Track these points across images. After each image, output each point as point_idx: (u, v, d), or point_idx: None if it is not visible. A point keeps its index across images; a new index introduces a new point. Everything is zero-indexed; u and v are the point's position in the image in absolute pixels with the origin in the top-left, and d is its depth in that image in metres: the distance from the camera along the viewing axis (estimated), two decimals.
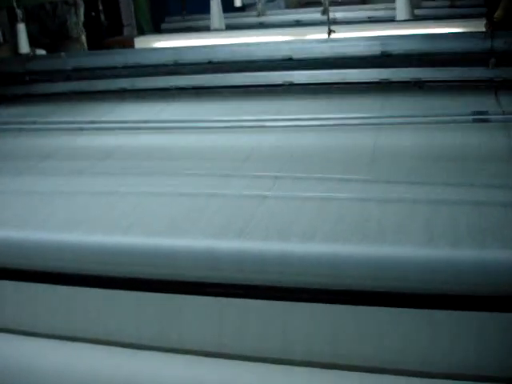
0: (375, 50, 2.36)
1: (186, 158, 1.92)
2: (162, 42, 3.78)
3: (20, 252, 1.53)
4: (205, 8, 4.90)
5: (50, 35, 2.95)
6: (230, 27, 4.20)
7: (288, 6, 6.16)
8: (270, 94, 2.43)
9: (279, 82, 2.42)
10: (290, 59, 2.44)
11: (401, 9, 2.59)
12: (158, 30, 4.64)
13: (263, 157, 1.88)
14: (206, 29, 4.23)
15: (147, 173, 1.83)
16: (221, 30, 2.64)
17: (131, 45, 3.90)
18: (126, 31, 5.58)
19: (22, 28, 2.67)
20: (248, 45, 2.53)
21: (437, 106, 2.08)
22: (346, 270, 1.27)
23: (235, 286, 1.35)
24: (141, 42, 3.92)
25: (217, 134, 2.10)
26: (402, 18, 2.64)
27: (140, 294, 1.42)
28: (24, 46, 2.69)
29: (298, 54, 2.44)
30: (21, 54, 3.44)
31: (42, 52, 3.07)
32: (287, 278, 1.31)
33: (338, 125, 2.04)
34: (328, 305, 1.31)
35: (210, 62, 2.52)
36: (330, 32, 2.59)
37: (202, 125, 2.17)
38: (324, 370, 1.30)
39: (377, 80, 2.32)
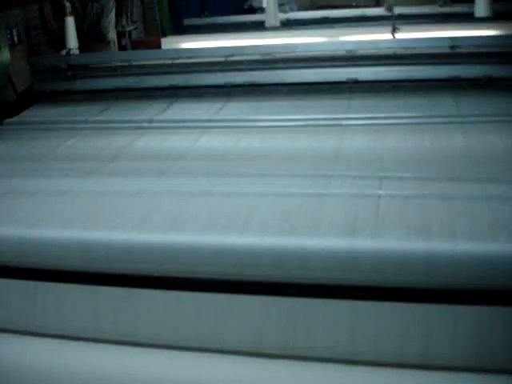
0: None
1: (272, 158, 1.82)
2: (192, 43, 3.66)
3: (124, 254, 1.40)
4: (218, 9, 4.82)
5: (81, 36, 2.82)
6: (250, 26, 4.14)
7: (299, 9, 6.10)
8: (332, 92, 2.34)
9: (343, 79, 2.33)
10: (355, 56, 2.35)
11: (480, 5, 2.51)
12: (177, 31, 4.53)
13: (355, 156, 1.79)
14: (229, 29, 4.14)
15: (240, 174, 1.72)
16: (275, 27, 2.55)
17: (158, 45, 3.77)
18: (134, 34, 5.46)
19: (70, 21, 2.53)
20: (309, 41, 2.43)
21: None
22: None
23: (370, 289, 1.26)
24: (168, 43, 3.79)
25: (296, 134, 2.00)
26: (481, 15, 2.56)
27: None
28: (72, 41, 2.54)
29: (363, 51, 2.35)
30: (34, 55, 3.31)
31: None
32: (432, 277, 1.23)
33: (421, 123, 1.96)
34: None
35: (268, 59, 2.42)
36: (394, 29, 2.50)
37: (277, 124, 2.07)
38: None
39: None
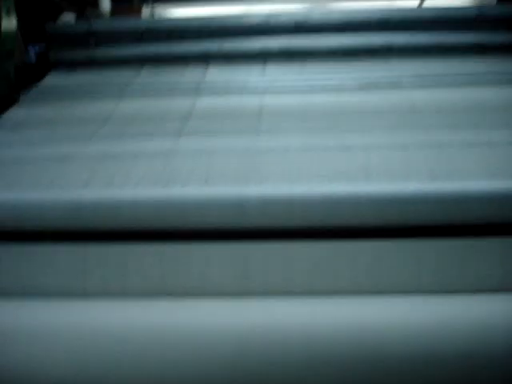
0: None
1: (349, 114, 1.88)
2: (183, 9, 3.55)
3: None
4: None
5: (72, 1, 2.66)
6: None
7: None
8: (366, 58, 2.40)
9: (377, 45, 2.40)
10: (387, 22, 2.42)
11: None
12: None
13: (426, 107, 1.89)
14: None
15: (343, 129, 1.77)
16: None
17: (138, 13, 3.63)
18: None
19: None
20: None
21: None
22: None
23: None
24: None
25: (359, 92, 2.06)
26: None
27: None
28: (106, 4, 2.39)
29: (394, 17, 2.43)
30: None
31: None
32: None
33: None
34: None
35: (302, 25, 2.44)
36: None
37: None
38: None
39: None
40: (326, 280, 1.40)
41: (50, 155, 1.65)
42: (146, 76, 2.33)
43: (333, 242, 1.40)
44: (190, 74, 2.30)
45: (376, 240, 1.40)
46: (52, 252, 1.44)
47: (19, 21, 2.31)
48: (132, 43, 2.43)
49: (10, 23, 2.38)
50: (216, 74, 2.31)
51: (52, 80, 2.35)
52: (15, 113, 2.05)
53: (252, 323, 1.31)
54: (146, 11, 3.77)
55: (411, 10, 2.49)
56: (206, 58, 2.41)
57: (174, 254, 1.42)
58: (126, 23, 2.50)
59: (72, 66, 2.42)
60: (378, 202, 1.38)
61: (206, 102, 2.03)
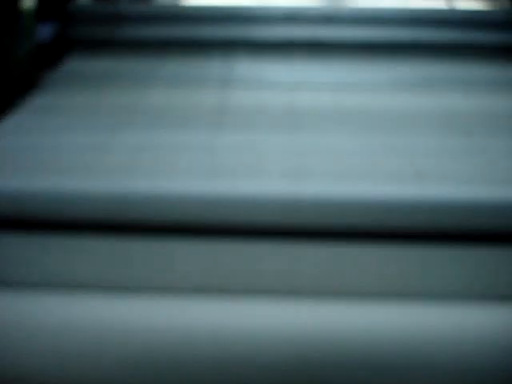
0: None
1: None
2: None
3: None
4: None
5: None
6: None
7: None
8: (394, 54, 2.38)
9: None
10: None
11: None
12: None
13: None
14: None
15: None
16: None
17: None
18: None
19: None
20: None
21: None
22: None
23: None
24: None
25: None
26: None
27: None
28: None
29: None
30: None
31: None
32: None
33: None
34: None
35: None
36: None
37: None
38: None
39: None
40: (375, 282, 1.39)
41: (85, 144, 1.60)
42: (172, 64, 2.27)
43: (383, 245, 1.39)
44: (217, 65, 2.26)
45: (426, 244, 1.39)
46: (92, 244, 1.40)
47: None
48: (156, 27, 2.37)
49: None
50: (243, 66, 2.26)
51: (73, 63, 2.29)
52: (40, 97, 1.99)
53: (302, 322, 1.31)
54: None
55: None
56: (231, 48, 2.36)
57: (220, 250, 1.39)
58: (150, 8, 2.44)
59: (93, 48, 2.35)
60: (431, 206, 1.37)
61: (236, 96, 2.00)
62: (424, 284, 1.39)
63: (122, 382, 1.32)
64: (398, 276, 1.39)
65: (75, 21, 2.39)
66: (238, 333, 1.33)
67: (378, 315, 1.36)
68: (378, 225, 1.38)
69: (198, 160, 1.52)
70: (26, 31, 2.22)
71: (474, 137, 1.68)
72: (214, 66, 2.24)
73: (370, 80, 2.15)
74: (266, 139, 1.65)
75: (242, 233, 1.39)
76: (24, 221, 1.41)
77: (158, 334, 1.32)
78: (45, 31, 2.53)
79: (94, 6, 2.47)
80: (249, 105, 1.92)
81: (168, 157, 1.52)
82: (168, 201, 1.37)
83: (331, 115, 1.85)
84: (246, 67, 2.26)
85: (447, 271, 1.38)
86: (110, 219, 1.39)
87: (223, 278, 1.39)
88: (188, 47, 2.37)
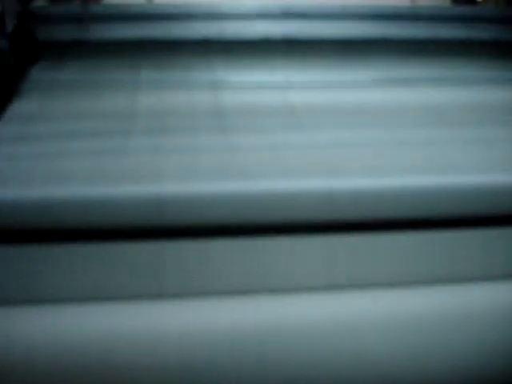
0: None
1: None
2: None
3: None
4: None
5: None
6: None
7: None
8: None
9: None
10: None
11: None
12: None
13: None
14: None
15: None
16: None
17: None
18: None
19: None
20: None
21: None
22: None
23: None
24: None
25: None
26: None
27: None
28: None
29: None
30: None
31: None
32: None
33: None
34: None
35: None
36: None
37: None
38: None
39: None
40: (409, 270, 1.43)
41: (93, 149, 1.53)
42: (151, 67, 2.19)
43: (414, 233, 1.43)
44: (199, 65, 2.20)
45: (452, 231, 1.44)
46: (125, 251, 1.34)
47: None
48: (128, 28, 2.28)
49: None
50: (226, 66, 2.22)
51: (46, 68, 2.15)
52: (23, 105, 1.87)
53: (344, 316, 1.33)
54: None
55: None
56: (209, 47, 2.31)
57: (257, 250, 1.38)
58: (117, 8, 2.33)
59: (64, 50, 2.22)
60: (456, 194, 1.42)
61: (229, 97, 1.96)
62: (453, 269, 1.44)
63: None
64: (429, 263, 1.44)
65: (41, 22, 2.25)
66: (280, 330, 1.32)
67: (418, 301, 1.40)
68: (410, 215, 1.42)
69: (218, 161, 1.49)
70: None
71: (484, 128, 1.75)
72: (197, 67, 2.19)
73: (354, 78, 2.18)
74: (278, 139, 1.64)
75: (277, 231, 1.39)
76: (31, 231, 1.33)
77: (185, 341, 1.30)
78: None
79: (62, 7, 2.34)
80: (243, 106, 1.91)
81: (189, 159, 1.48)
82: (200, 202, 1.34)
83: (330, 112, 1.87)
84: (229, 68, 2.22)
85: (474, 256, 1.44)
86: (142, 224, 1.35)
87: (261, 277, 1.38)
88: (160, 48, 2.30)
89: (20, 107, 1.86)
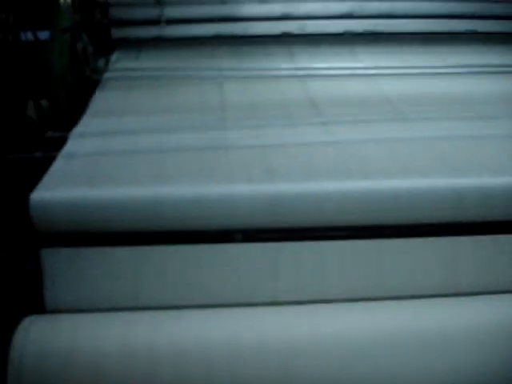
0: None
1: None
2: None
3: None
4: None
5: None
6: None
7: None
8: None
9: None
10: None
11: None
12: None
13: None
14: None
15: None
16: None
17: None
18: None
19: None
20: None
21: None
22: None
23: None
24: None
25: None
26: None
27: None
28: None
29: None
30: None
31: None
32: None
33: None
34: None
35: None
36: None
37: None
38: None
39: None
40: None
41: (192, 144, 1.46)
42: (233, 60, 2.12)
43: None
44: (281, 57, 2.13)
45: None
46: (215, 252, 1.25)
47: None
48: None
49: None
50: (308, 56, 2.14)
51: (126, 60, 2.10)
52: (107, 98, 1.82)
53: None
54: None
55: None
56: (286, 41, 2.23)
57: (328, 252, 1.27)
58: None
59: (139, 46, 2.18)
60: None
61: (315, 88, 1.88)
62: None
63: None
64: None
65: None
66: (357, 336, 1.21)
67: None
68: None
69: (298, 158, 1.39)
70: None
71: None
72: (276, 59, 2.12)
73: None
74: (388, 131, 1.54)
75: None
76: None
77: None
78: None
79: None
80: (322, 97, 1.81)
81: (281, 155, 1.40)
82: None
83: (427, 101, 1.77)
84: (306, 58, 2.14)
85: None
86: (232, 225, 1.25)
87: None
88: (234, 42, 2.23)
89: (103, 100, 1.81)
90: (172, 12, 2.23)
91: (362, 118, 1.64)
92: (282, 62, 2.11)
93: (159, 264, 1.25)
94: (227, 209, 1.22)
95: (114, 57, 2.14)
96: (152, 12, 2.22)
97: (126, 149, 1.45)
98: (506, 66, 2.10)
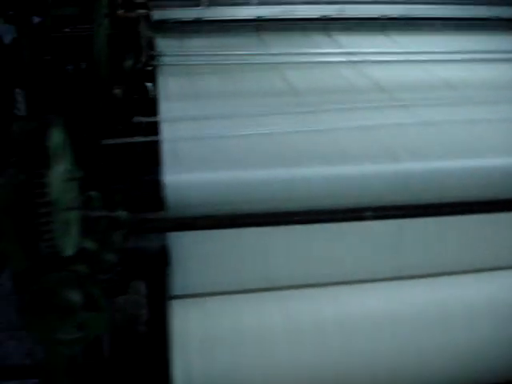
0: None
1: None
2: None
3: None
4: None
5: None
6: None
7: None
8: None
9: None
10: None
11: None
12: None
13: None
14: None
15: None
16: None
17: None
18: None
19: None
20: None
21: None
22: None
23: None
24: None
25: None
26: None
27: None
28: None
29: None
30: None
31: None
32: None
33: None
34: None
35: None
36: None
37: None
38: None
39: None
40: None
41: (275, 129, 1.48)
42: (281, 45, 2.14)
43: None
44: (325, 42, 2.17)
45: None
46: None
47: None
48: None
49: None
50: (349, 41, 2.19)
51: (178, 46, 2.08)
52: (172, 83, 1.80)
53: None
54: None
55: None
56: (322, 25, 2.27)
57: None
58: None
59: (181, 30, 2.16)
60: None
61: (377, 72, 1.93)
62: None
63: None
64: None
65: None
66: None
67: None
68: None
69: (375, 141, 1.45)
70: None
71: None
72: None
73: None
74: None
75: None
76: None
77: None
78: None
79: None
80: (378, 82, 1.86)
81: (353, 139, 1.45)
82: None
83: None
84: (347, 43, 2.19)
85: None
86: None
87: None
88: (275, 25, 2.25)
89: (171, 85, 1.79)
90: None
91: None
92: (328, 47, 2.15)
93: (287, 244, 1.29)
94: (359, 188, 1.27)
95: (159, 42, 2.12)
96: None
97: (230, 132, 1.46)
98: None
